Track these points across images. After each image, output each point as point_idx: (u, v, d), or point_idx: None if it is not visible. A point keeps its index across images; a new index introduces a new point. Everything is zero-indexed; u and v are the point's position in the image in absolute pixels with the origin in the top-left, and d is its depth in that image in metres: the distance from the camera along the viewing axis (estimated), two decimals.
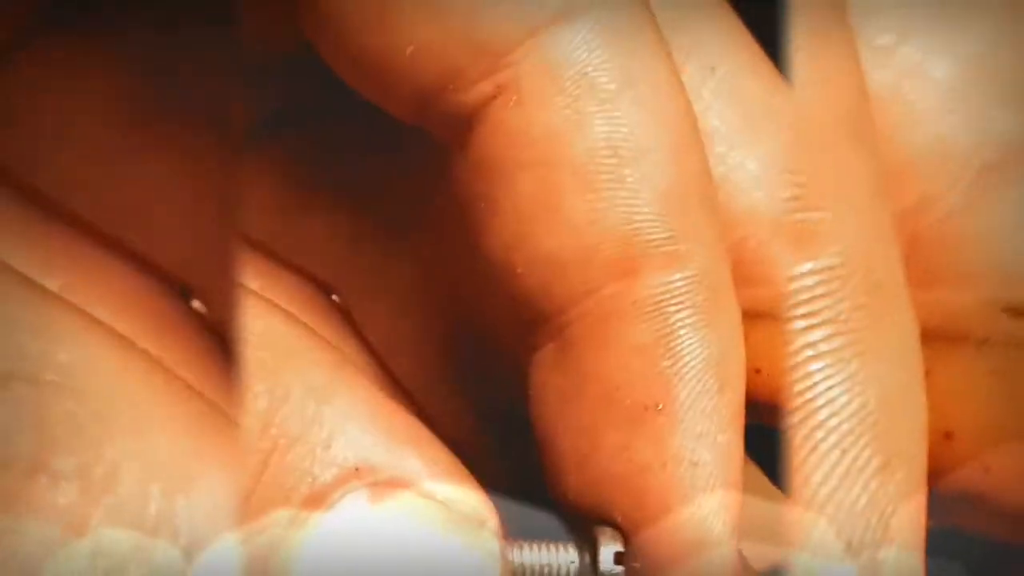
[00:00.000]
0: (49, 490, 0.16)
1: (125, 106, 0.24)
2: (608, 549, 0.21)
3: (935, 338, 0.24)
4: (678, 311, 0.21)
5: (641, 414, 0.21)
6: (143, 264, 0.24)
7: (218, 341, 0.24)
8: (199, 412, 0.18)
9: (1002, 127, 0.25)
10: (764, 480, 0.24)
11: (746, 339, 0.22)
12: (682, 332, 0.21)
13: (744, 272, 0.24)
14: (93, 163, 0.24)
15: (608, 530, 0.21)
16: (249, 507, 0.18)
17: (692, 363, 0.21)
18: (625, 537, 0.21)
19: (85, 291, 0.22)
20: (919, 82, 0.26)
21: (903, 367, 0.23)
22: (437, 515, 0.19)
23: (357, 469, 0.19)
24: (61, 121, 0.24)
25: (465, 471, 0.20)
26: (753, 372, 0.23)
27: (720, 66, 0.24)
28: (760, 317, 0.23)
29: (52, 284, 0.22)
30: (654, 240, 0.21)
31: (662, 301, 0.21)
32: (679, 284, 0.21)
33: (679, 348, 0.21)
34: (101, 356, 0.18)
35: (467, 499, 0.20)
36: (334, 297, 0.27)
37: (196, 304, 0.24)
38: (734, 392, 0.22)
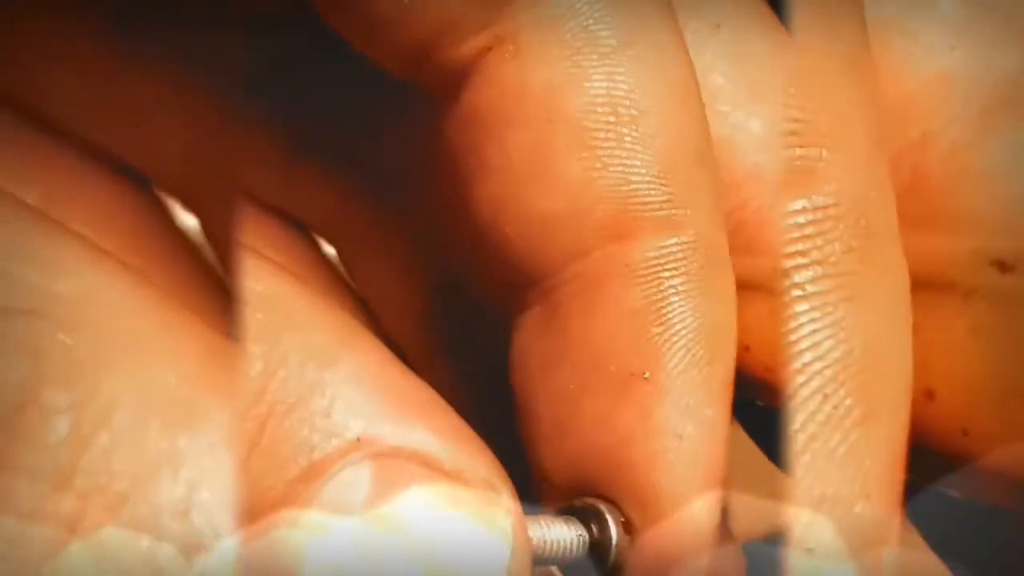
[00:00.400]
0: (40, 424, 0.16)
1: (123, 34, 0.23)
2: (611, 522, 0.21)
3: (923, 287, 0.23)
4: (672, 277, 0.21)
5: (627, 382, 0.21)
6: (130, 176, 0.23)
7: (202, 256, 0.23)
8: (207, 347, 0.17)
9: (1007, 63, 0.25)
10: (760, 457, 0.24)
11: (739, 312, 0.22)
12: (675, 299, 0.21)
13: (745, 238, 0.23)
14: (87, 79, 0.23)
15: (603, 504, 0.21)
16: (245, 476, 0.17)
17: (683, 332, 0.21)
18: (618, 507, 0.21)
19: (65, 200, 0.22)
20: (923, 15, 0.26)
21: (891, 317, 0.23)
22: (444, 489, 0.18)
23: (359, 439, 0.18)
24: (57, 39, 0.23)
25: (478, 440, 0.19)
26: (743, 349, 0.22)
27: (724, 23, 0.24)
28: (756, 289, 0.23)
29: (31, 192, 0.21)
30: (651, 203, 0.21)
31: (656, 266, 0.21)
32: (674, 249, 0.21)
33: (670, 315, 0.21)
34: (103, 287, 0.17)
35: (479, 472, 0.19)
36: (330, 251, 0.27)
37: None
38: (724, 365, 0.21)
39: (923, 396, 0.23)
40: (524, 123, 0.21)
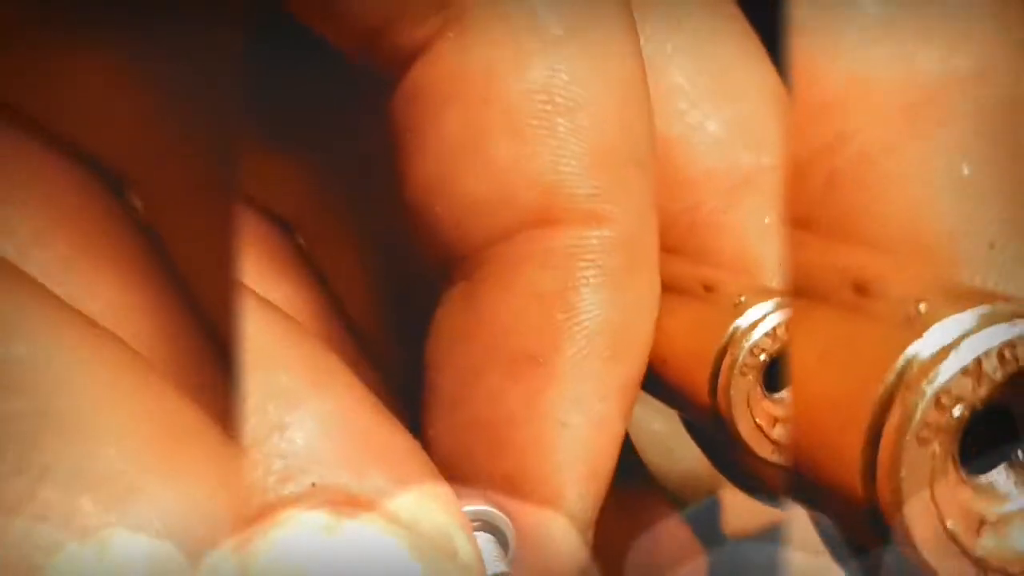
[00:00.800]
0: None
1: (87, 27, 0.22)
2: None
3: (804, 296, 0.23)
4: (586, 268, 0.21)
5: (522, 363, 0.21)
6: (79, 158, 0.23)
7: (150, 238, 0.22)
8: (160, 421, 0.17)
9: (928, 65, 0.24)
10: None
11: (663, 320, 0.22)
12: (585, 290, 0.21)
13: (696, 242, 0.23)
14: (47, 68, 0.22)
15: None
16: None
17: (587, 323, 0.21)
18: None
19: (25, 191, 0.21)
20: (844, 14, 0.25)
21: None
22: (399, 541, 0.17)
23: (314, 485, 0.17)
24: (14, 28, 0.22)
25: (441, 485, 0.19)
26: (660, 362, 0.22)
27: (687, 20, 0.23)
28: (687, 297, 0.23)
29: None
30: (577, 194, 0.21)
31: (572, 255, 0.21)
32: (594, 242, 0.21)
33: (578, 305, 0.21)
34: (62, 350, 0.16)
35: (436, 522, 0.18)
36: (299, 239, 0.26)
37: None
38: (629, 364, 0.21)
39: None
40: (461, 103, 0.21)
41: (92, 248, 0.21)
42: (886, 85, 0.24)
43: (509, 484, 0.21)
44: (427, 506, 0.18)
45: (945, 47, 0.24)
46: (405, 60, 0.21)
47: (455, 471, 0.21)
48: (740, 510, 0.24)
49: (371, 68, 0.22)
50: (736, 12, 0.25)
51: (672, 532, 0.26)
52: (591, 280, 0.21)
